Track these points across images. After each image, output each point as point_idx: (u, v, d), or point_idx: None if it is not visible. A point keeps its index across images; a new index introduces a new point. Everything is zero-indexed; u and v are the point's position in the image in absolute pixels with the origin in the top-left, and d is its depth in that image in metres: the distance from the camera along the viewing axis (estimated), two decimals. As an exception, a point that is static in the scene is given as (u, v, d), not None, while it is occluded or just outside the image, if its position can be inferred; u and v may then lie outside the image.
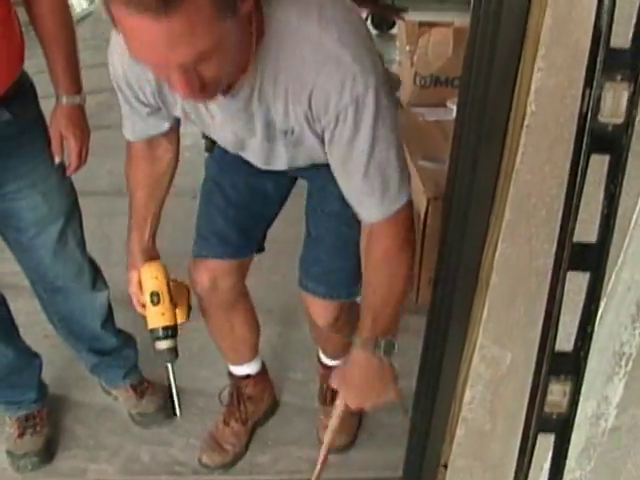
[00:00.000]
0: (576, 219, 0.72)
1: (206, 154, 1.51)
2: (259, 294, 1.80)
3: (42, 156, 1.42)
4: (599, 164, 0.76)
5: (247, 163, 1.39)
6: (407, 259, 1.14)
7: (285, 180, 1.51)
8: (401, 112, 2.57)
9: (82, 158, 1.47)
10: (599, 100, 0.69)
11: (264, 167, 1.31)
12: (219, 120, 1.14)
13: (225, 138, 1.22)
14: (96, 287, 1.66)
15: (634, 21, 0.72)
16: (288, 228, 1.92)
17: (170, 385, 1.44)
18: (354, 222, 1.19)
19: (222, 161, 1.49)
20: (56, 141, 1.42)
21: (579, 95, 0.77)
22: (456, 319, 1.18)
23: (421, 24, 2.70)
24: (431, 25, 2.65)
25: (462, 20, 2.72)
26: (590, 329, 0.80)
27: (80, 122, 1.45)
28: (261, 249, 1.61)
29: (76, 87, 1.42)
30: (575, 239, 0.77)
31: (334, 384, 1.26)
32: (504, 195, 0.98)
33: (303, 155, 1.21)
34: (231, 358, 1.81)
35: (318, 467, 1.33)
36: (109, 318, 1.75)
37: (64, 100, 1.41)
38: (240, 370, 1.82)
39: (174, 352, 1.31)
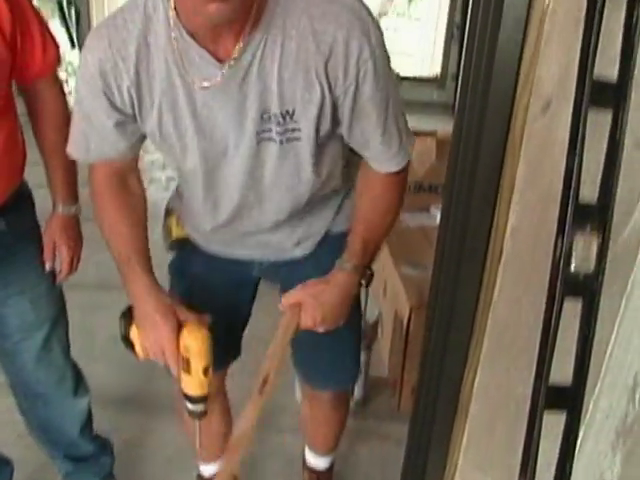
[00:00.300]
0: (551, 363, 0.75)
1: (169, 256, 1.46)
2: (240, 398, 1.78)
3: (34, 264, 1.44)
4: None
5: (213, 273, 1.36)
6: (401, 197, 1.23)
7: (254, 285, 1.50)
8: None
9: (73, 267, 1.49)
10: (570, 249, 0.73)
11: (241, 208, 1.22)
12: (204, 116, 1.08)
13: (206, 146, 1.12)
14: (78, 394, 1.64)
15: (600, 175, 0.77)
16: (269, 329, 1.92)
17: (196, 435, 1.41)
18: None
19: (187, 279, 1.42)
20: (48, 249, 1.44)
21: (554, 232, 0.82)
22: (437, 439, 1.17)
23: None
24: (415, 134, 2.75)
25: (445, 130, 2.84)
26: (569, 467, 0.80)
27: (74, 232, 1.48)
28: (238, 353, 1.58)
29: (73, 197, 1.46)
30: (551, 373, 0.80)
31: (293, 297, 1.21)
32: (483, 324, 1.00)
33: (290, 166, 1.14)
34: (205, 456, 1.77)
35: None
36: (88, 424, 1.72)
37: (60, 209, 1.45)
38: (211, 469, 1.78)
39: (205, 412, 1.32)
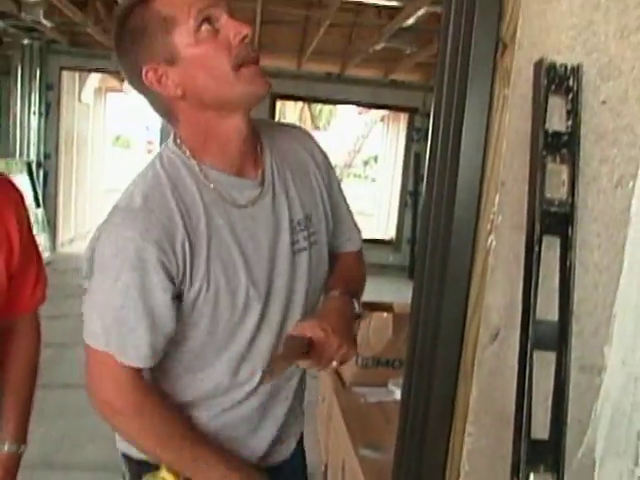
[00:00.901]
0: None
1: None
2: None
3: None
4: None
5: None
6: (363, 265, 1.41)
7: None
8: (344, 392, 2.61)
9: None
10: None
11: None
12: (250, 246, 1.10)
13: (256, 276, 1.10)
14: None
15: (550, 411, 0.80)
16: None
17: None
18: None
19: None
20: None
21: (509, 453, 0.83)
22: None
23: (363, 305, 2.86)
24: (372, 307, 2.80)
25: (401, 302, 2.92)
26: None
27: (13, 478, 1.35)
28: None
29: (22, 436, 1.36)
30: None
31: (295, 331, 1.12)
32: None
33: (314, 276, 1.20)
34: None
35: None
36: None
37: (6, 448, 1.32)
38: None
39: None
